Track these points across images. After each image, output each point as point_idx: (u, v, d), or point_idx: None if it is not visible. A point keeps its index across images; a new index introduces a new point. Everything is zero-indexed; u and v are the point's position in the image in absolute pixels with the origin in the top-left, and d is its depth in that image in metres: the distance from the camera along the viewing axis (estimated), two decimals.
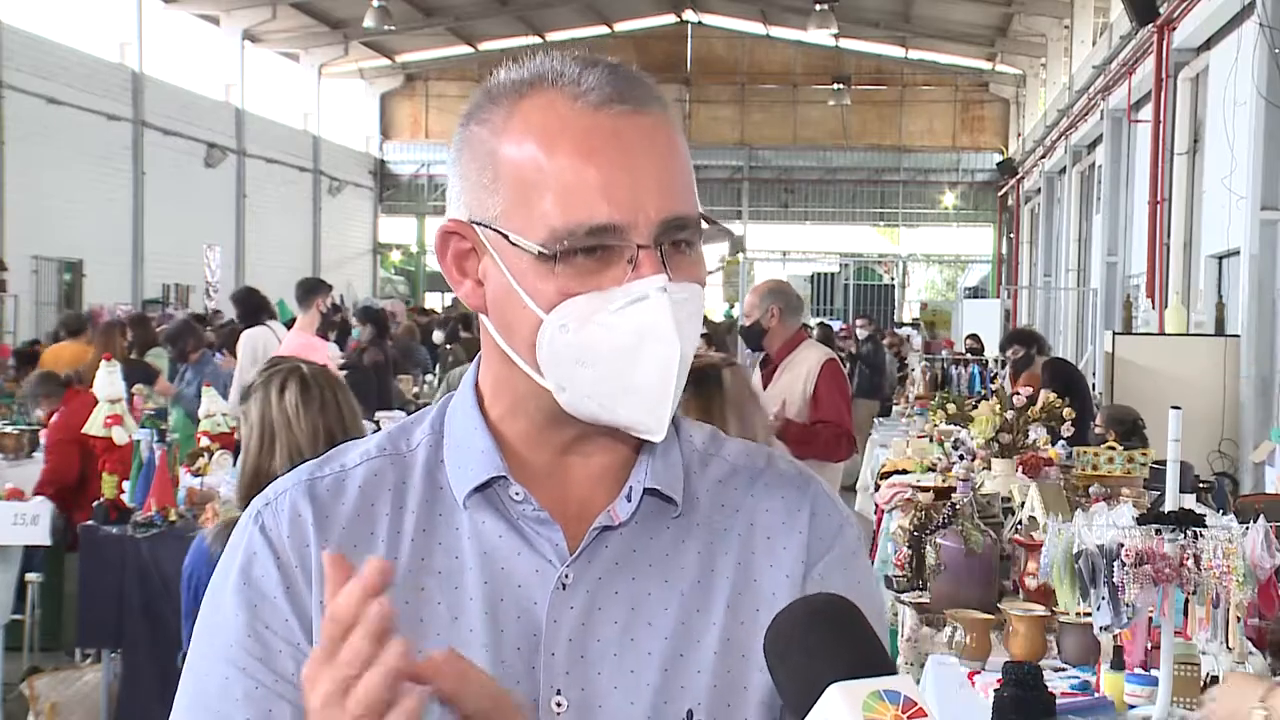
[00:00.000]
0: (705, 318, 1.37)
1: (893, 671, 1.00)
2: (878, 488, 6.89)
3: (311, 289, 8.58)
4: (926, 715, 0.96)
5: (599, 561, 1.20)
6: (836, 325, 20.58)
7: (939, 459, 5.92)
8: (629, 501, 1.21)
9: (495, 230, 1.17)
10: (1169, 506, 2.85)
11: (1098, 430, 6.96)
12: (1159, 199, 13.92)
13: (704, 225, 1.19)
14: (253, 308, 9.24)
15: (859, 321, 18.02)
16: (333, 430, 3.08)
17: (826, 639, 1.00)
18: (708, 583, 1.23)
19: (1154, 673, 3.01)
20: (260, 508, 1.23)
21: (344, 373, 10.26)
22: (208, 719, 1.16)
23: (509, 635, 1.17)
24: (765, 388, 6.11)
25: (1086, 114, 19.76)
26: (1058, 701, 2.83)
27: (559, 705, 1.16)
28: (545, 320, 1.15)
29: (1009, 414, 5.30)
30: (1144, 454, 5.30)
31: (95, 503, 5.80)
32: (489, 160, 1.17)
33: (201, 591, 3.47)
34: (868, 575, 1.31)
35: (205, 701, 1.17)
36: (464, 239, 1.21)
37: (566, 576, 1.19)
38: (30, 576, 6.39)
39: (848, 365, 14.84)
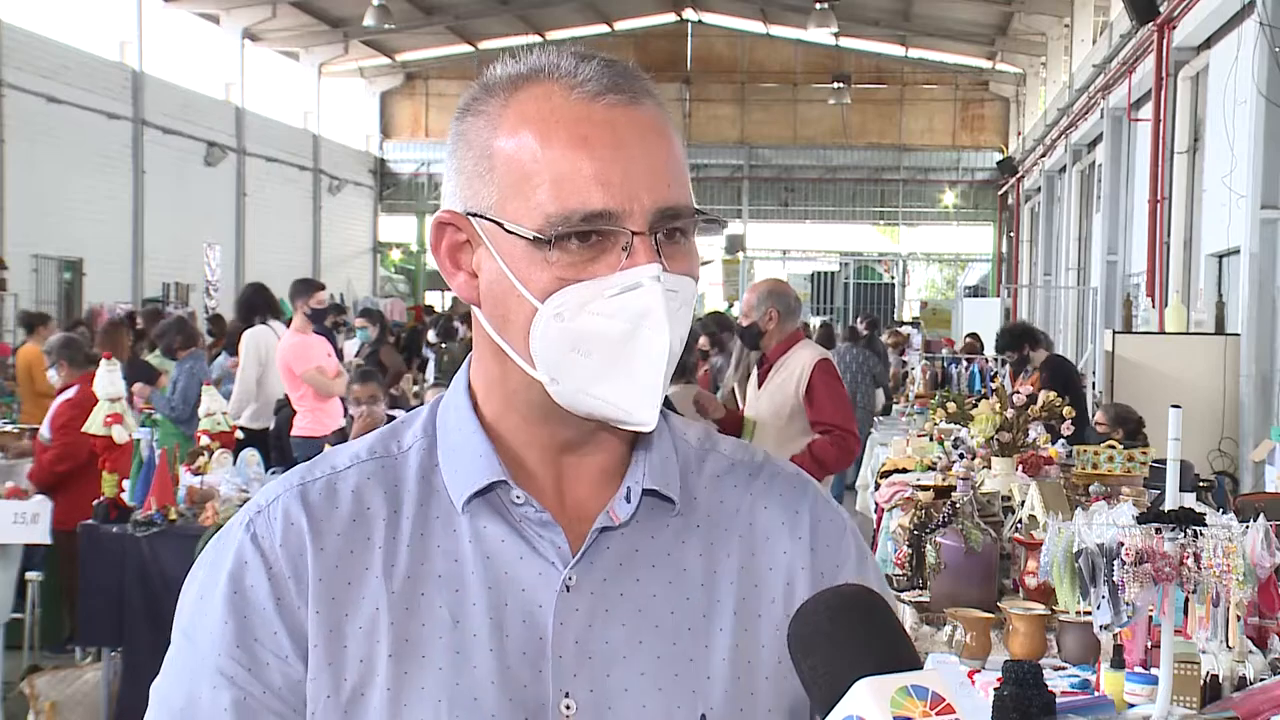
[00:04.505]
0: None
1: (920, 666, 0.99)
2: (878, 486, 6.88)
3: (298, 291, 8.58)
4: (955, 712, 0.95)
5: (602, 563, 1.19)
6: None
7: (939, 458, 5.91)
8: (628, 502, 1.21)
9: (490, 220, 1.16)
10: (1169, 505, 2.84)
11: (1101, 429, 6.97)
12: (1159, 198, 13.90)
13: (699, 220, 1.18)
14: (250, 308, 9.22)
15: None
16: None
17: (855, 632, 0.99)
18: (711, 586, 1.22)
19: (1154, 672, 3.01)
20: (253, 515, 1.20)
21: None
22: None
23: (514, 639, 1.16)
24: (760, 387, 6.11)
25: (1086, 113, 19.74)
26: (1058, 700, 2.82)
27: (568, 708, 1.15)
28: (540, 309, 1.14)
29: (1009, 413, 5.30)
30: (1144, 453, 5.30)
31: (95, 501, 5.80)
32: (484, 151, 1.17)
33: None
34: (878, 574, 1.32)
35: (192, 711, 1.15)
36: (459, 230, 1.20)
37: (570, 579, 1.18)
38: (30, 575, 6.39)
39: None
